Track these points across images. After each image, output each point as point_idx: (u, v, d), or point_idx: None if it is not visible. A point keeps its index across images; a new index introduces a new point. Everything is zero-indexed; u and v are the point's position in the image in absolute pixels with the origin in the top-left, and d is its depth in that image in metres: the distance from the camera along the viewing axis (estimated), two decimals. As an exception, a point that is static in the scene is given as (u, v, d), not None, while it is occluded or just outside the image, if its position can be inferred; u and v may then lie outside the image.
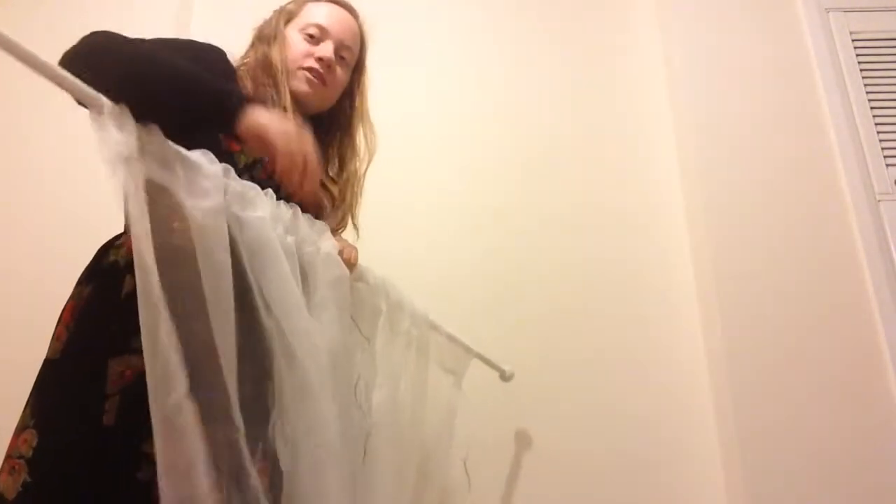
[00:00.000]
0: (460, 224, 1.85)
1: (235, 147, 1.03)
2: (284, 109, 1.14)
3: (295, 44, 1.22)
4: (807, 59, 1.87)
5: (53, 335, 0.96)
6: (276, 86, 1.17)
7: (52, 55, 1.74)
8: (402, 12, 2.07)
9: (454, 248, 1.82)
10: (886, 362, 1.55)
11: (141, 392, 0.83)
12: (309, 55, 1.21)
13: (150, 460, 0.82)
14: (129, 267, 0.92)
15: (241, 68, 1.21)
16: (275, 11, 1.27)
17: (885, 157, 1.74)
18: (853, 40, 1.87)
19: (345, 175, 1.28)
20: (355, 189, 1.29)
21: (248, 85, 1.16)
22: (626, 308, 1.76)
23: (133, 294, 0.88)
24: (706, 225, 1.71)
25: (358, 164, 1.30)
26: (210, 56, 1.15)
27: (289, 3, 1.28)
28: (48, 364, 0.93)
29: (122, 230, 1.02)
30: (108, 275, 0.97)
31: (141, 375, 0.84)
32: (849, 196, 1.71)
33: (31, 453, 0.85)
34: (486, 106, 2.01)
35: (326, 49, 1.22)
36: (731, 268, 1.66)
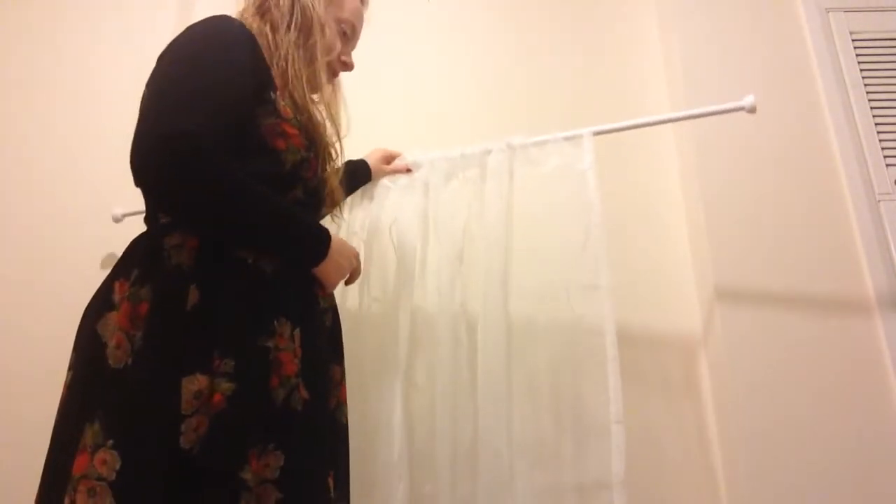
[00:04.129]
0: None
1: (281, 145, 1.01)
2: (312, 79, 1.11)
3: (332, 34, 1.18)
4: (807, 59, 1.86)
5: (111, 340, 0.89)
6: (309, 47, 1.12)
7: (53, 52, 1.74)
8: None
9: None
10: (886, 362, 1.55)
11: (236, 419, 0.85)
12: (339, 53, 1.21)
13: (249, 487, 0.83)
14: (195, 274, 0.91)
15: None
16: None
17: (885, 157, 1.74)
18: (853, 40, 1.86)
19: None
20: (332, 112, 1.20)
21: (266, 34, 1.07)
22: (626, 308, 1.75)
23: (199, 307, 0.89)
24: (705, 224, 1.71)
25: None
26: (238, 55, 1.00)
27: None
28: (114, 374, 0.87)
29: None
30: (170, 279, 0.91)
31: (233, 401, 0.85)
32: (849, 196, 1.71)
33: (113, 476, 0.82)
34: (482, 105, 2.01)
35: (350, 55, 1.24)
36: (731, 267, 1.65)
